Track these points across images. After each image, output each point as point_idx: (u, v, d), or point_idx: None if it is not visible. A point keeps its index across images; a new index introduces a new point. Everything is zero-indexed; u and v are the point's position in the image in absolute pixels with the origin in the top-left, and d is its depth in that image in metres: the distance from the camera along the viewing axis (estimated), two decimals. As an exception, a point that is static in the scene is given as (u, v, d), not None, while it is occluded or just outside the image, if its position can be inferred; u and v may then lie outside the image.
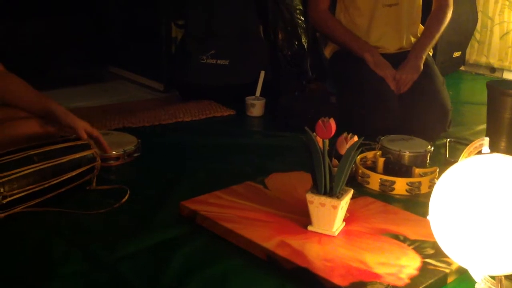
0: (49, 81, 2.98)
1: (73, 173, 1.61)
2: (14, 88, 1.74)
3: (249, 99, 2.58)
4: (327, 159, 1.38)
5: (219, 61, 2.76)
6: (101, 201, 1.60)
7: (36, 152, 1.55)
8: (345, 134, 1.50)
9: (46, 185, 1.54)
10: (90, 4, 3.43)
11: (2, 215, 1.45)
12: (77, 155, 1.63)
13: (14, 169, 1.48)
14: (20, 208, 1.49)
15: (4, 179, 1.45)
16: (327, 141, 1.39)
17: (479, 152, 1.32)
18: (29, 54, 3.19)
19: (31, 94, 1.74)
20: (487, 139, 1.31)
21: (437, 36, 2.43)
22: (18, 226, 1.46)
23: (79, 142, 1.68)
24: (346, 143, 1.48)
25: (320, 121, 1.38)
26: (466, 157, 1.32)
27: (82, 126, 1.70)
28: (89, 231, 1.47)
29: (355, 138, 1.48)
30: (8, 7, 3.12)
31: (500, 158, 1.14)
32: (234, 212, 1.51)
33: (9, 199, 1.46)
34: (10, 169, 1.47)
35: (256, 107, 2.56)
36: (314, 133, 1.39)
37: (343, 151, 1.44)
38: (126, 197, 1.63)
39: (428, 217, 1.19)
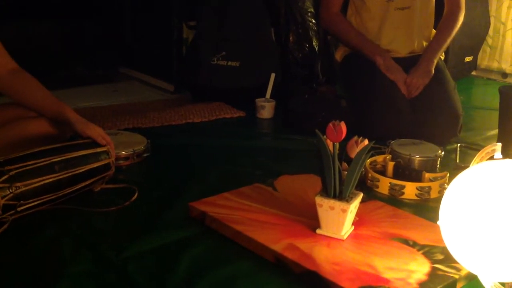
0: (61, 80, 3.01)
1: (87, 182, 1.61)
2: (29, 88, 1.74)
3: (259, 101, 2.58)
4: (337, 163, 1.38)
5: (229, 63, 2.76)
6: (110, 201, 1.61)
7: (58, 159, 1.54)
8: (355, 138, 1.49)
9: (60, 194, 1.54)
10: (102, 6, 3.45)
11: (11, 217, 1.45)
12: (96, 165, 1.63)
13: (35, 178, 1.47)
14: (30, 205, 1.49)
15: (23, 189, 1.45)
16: (337, 145, 1.38)
17: (491, 158, 1.30)
18: (42, 54, 3.21)
19: (45, 96, 1.74)
20: (499, 144, 1.30)
21: (449, 40, 2.42)
22: (28, 224, 1.46)
23: (99, 150, 1.66)
24: (357, 147, 1.47)
25: (330, 124, 1.37)
26: (478, 163, 1.31)
27: (98, 134, 1.69)
28: (97, 230, 1.47)
29: (366, 141, 1.47)
30: (22, 7, 3.15)
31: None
32: (243, 214, 1.51)
33: (23, 207, 1.46)
34: (31, 177, 1.46)
35: (266, 109, 2.56)
36: (325, 136, 1.39)
37: (353, 154, 1.43)
38: (135, 196, 1.63)
39: (438, 222, 1.18)
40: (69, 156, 1.57)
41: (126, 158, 1.89)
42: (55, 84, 2.57)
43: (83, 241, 1.40)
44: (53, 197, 1.52)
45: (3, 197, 1.40)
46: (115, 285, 1.24)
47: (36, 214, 1.50)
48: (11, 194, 1.42)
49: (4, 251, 1.36)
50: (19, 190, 1.43)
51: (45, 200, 1.51)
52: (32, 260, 1.33)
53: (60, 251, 1.35)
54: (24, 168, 1.46)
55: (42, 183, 1.49)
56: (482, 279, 1.19)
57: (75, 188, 1.58)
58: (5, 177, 1.42)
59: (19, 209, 1.45)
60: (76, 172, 1.57)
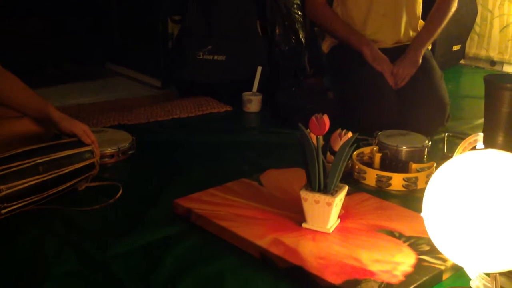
0: (47, 77, 2.99)
1: (72, 182, 1.60)
2: (11, 88, 1.72)
3: (246, 95, 2.57)
4: (321, 156, 1.37)
5: (215, 57, 2.74)
6: (94, 199, 1.60)
7: (42, 160, 1.52)
8: (339, 130, 1.48)
9: (44, 195, 1.53)
10: (88, 2, 3.42)
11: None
12: (80, 165, 1.61)
13: (19, 180, 1.45)
14: (14, 207, 1.48)
15: (7, 192, 1.43)
16: (320, 138, 1.37)
17: (474, 148, 1.30)
18: (28, 51, 3.19)
19: (28, 96, 1.71)
20: (481, 134, 1.29)
21: (439, 30, 2.40)
22: (12, 225, 1.45)
23: (83, 149, 1.64)
24: (340, 140, 1.46)
25: (313, 118, 1.36)
26: (460, 153, 1.31)
27: (83, 131, 1.67)
28: (82, 229, 1.46)
29: (349, 134, 1.46)
30: (8, 5, 3.12)
31: (494, 153, 1.12)
32: (228, 209, 1.50)
33: (7, 209, 1.45)
34: (15, 179, 1.45)
35: (253, 103, 2.55)
36: (308, 130, 1.38)
37: (337, 147, 1.42)
38: (119, 193, 1.62)
39: (422, 214, 1.18)
40: (53, 157, 1.56)
41: (111, 155, 1.87)
42: (42, 81, 2.56)
43: (68, 241, 1.39)
44: (37, 198, 1.51)
45: None
46: (101, 284, 1.24)
47: (20, 214, 1.48)
48: None
49: (-13, 253, 1.35)
50: (3, 193, 1.42)
51: (29, 201, 1.49)
52: (17, 261, 1.31)
53: (45, 251, 1.34)
54: (8, 170, 1.45)
55: (26, 185, 1.47)
56: (468, 270, 1.19)
57: (60, 188, 1.56)
58: None
59: (3, 211, 1.43)
60: (61, 173, 1.56)
